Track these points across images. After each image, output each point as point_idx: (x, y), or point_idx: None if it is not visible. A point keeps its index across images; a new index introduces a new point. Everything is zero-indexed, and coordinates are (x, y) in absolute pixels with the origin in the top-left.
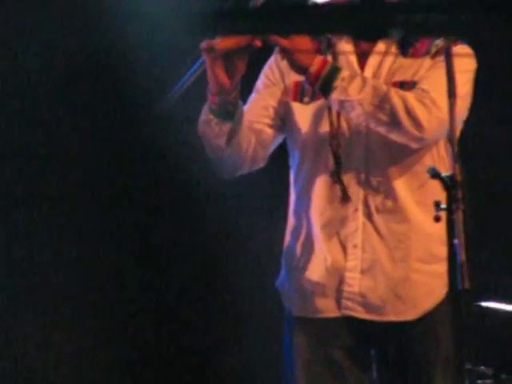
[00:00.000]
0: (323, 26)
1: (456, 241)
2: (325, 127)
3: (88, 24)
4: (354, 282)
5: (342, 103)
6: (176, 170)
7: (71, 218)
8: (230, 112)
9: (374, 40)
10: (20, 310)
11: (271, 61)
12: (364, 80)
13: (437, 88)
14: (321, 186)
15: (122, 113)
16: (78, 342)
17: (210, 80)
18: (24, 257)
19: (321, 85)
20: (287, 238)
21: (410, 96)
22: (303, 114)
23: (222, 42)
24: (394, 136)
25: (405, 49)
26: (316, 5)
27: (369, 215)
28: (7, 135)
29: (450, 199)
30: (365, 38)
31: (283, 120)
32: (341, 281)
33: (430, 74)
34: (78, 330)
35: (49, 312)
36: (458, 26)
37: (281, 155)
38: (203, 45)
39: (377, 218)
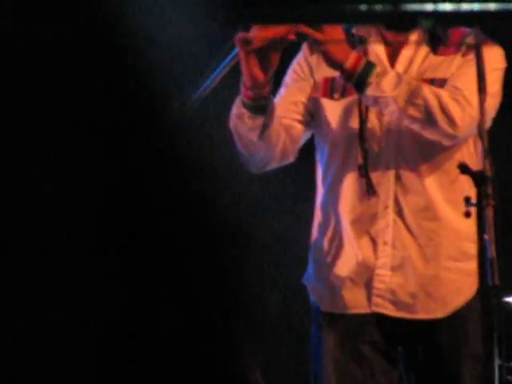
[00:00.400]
0: (354, 16)
1: (486, 236)
2: (355, 123)
3: (108, 19)
4: (385, 279)
5: (376, 99)
6: (200, 166)
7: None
8: (262, 106)
9: (404, 31)
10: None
11: (299, 56)
12: (399, 76)
13: (469, 86)
14: (351, 181)
15: (149, 107)
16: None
17: (243, 74)
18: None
19: (356, 80)
20: (314, 233)
21: (444, 93)
22: (333, 110)
23: (259, 35)
24: (428, 133)
25: (435, 46)
26: None
27: (399, 212)
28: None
29: (480, 195)
30: (395, 29)
31: (312, 115)
32: (371, 277)
33: (461, 72)
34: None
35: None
36: (487, 17)
37: (305, 150)
38: (238, 37)
39: (407, 215)
